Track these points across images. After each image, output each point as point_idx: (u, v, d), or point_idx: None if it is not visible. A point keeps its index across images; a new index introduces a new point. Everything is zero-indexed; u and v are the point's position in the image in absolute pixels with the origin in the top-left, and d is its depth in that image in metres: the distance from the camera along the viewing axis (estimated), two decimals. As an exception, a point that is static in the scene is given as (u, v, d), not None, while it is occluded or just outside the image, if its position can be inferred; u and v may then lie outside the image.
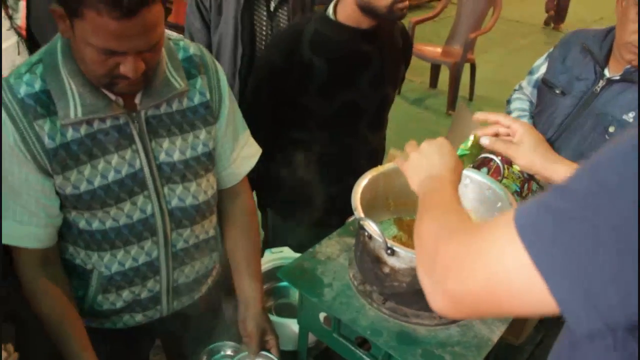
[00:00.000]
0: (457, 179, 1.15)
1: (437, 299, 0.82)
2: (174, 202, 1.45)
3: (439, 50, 6.05)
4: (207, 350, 1.61)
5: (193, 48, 1.47)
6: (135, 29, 1.15)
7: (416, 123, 5.60)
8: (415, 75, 6.43)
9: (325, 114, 1.98)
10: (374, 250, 1.28)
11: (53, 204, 1.34)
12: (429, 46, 6.12)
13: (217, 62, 1.52)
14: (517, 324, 1.72)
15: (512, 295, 0.71)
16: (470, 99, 6.11)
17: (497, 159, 1.69)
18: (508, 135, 1.36)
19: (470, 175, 1.52)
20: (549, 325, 1.85)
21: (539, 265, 0.66)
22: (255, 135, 1.66)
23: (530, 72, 2.23)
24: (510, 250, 0.69)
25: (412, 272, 1.23)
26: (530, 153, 1.31)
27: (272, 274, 1.82)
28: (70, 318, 1.41)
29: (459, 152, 1.38)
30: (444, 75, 6.05)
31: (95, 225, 1.38)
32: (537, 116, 2.12)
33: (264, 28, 2.27)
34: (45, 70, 1.27)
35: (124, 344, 1.62)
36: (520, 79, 2.30)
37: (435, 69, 6.34)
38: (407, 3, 1.82)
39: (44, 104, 1.26)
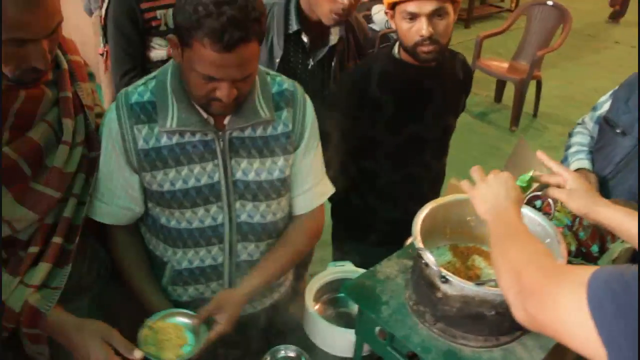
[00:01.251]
0: (520, 210, 1.36)
1: (517, 311, 1.05)
2: (243, 217, 1.64)
3: (506, 65, 6.08)
4: (270, 351, 1.78)
5: (288, 84, 1.66)
6: (233, 61, 1.37)
7: (479, 137, 5.66)
8: (481, 89, 6.48)
9: (393, 145, 2.13)
10: (429, 277, 1.42)
11: (134, 195, 1.60)
12: (495, 61, 6.16)
13: (308, 99, 1.70)
14: (558, 352, 1.84)
15: (572, 342, 0.91)
16: (535, 115, 6.12)
17: (551, 200, 1.80)
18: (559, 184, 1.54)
19: (523, 211, 1.63)
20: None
21: (601, 333, 0.85)
22: (328, 167, 1.83)
23: (594, 108, 2.31)
24: (579, 310, 0.89)
25: (462, 299, 1.37)
26: (578, 199, 1.48)
27: (334, 286, 1.98)
28: (148, 266, 1.71)
29: (517, 182, 1.52)
30: (510, 90, 6.07)
31: (173, 223, 1.61)
32: (597, 152, 2.21)
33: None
34: (156, 85, 1.53)
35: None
36: (587, 97, 2.39)
37: (500, 84, 6.37)
38: (431, 47, 1.93)
39: (148, 112, 1.52)
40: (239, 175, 1.60)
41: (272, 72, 1.67)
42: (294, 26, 2.20)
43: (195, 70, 1.40)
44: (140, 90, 1.54)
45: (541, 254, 1.11)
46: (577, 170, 2.15)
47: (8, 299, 1.46)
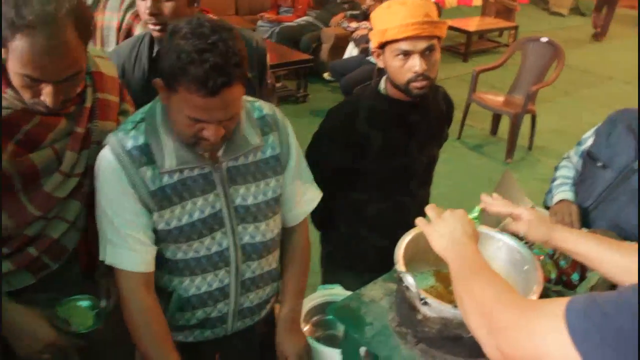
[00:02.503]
0: (477, 246, 1.39)
1: (490, 350, 1.06)
2: (246, 239, 1.72)
3: (501, 99, 6.19)
4: None
5: (267, 108, 1.76)
6: (217, 104, 1.44)
7: (474, 168, 5.74)
8: (477, 122, 6.58)
9: (380, 177, 2.21)
10: (410, 299, 1.50)
11: (152, 235, 1.64)
12: (490, 94, 6.27)
13: (286, 120, 1.80)
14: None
15: None
16: (530, 148, 6.21)
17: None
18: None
19: (503, 239, 1.71)
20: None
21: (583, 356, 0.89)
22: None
23: (579, 143, 2.41)
24: (560, 343, 0.91)
25: (442, 321, 1.44)
26: (537, 228, 1.55)
27: (323, 308, 2.06)
28: (169, 336, 1.68)
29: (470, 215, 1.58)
30: (505, 123, 6.17)
31: (179, 255, 1.67)
32: (579, 185, 2.30)
33: None
34: (147, 128, 1.59)
35: (190, 355, 1.88)
36: (581, 131, 2.46)
37: (496, 117, 6.47)
38: (424, 83, 2.01)
39: (147, 155, 1.57)
40: (238, 201, 1.69)
41: (250, 98, 1.75)
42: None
43: (182, 113, 1.47)
44: (132, 134, 1.58)
45: (507, 290, 1.12)
46: (560, 201, 2.24)
47: None
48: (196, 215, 1.63)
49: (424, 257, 1.73)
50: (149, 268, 1.66)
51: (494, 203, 1.61)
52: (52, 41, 1.38)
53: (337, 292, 2.09)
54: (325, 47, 7.64)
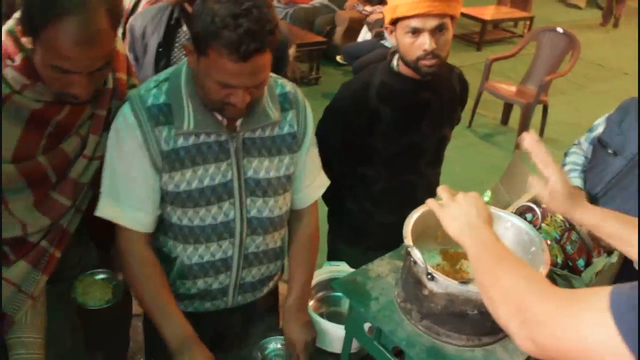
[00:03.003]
0: (493, 229, 1.34)
1: (523, 342, 1.02)
2: (253, 212, 1.72)
3: (513, 89, 6.17)
4: (261, 344, 1.88)
5: (289, 87, 1.76)
6: (248, 70, 1.44)
7: (484, 158, 5.73)
8: (488, 111, 6.56)
9: (389, 154, 2.21)
10: (417, 274, 1.50)
11: (158, 197, 1.65)
12: (503, 84, 6.25)
13: (306, 101, 1.80)
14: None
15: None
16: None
17: (538, 211, 1.87)
18: None
19: (512, 220, 1.71)
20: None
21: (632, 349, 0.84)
22: (327, 171, 1.93)
23: (590, 130, 2.41)
24: (604, 334, 0.87)
25: (447, 297, 1.45)
26: (559, 200, 1.49)
27: (328, 284, 2.06)
28: (168, 288, 1.70)
29: None
30: (516, 113, 6.15)
31: (185, 221, 1.67)
32: (589, 172, 2.29)
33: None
34: (169, 88, 1.59)
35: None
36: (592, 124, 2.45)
37: (508, 107, 6.45)
38: (433, 61, 2.00)
39: (165, 114, 1.57)
40: (250, 173, 1.69)
41: (273, 75, 1.75)
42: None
43: (210, 77, 1.47)
44: (154, 92, 1.59)
45: (539, 279, 1.08)
46: None
47: None
48: (206, 182, 1.63)
49: (432, 235, 1.72)
50: (148, 229, 1.67)
51: (537, 144, 1.52)
52: (86, 30, 1.33)
53: (343, 269, 2.10)
54: (339, 30, 7.62)
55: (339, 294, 2.13)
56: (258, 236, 1.77)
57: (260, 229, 1.76)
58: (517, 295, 1.05)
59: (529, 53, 6.51)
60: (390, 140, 2.17)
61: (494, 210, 1.73)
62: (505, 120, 6.54)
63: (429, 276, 1.44)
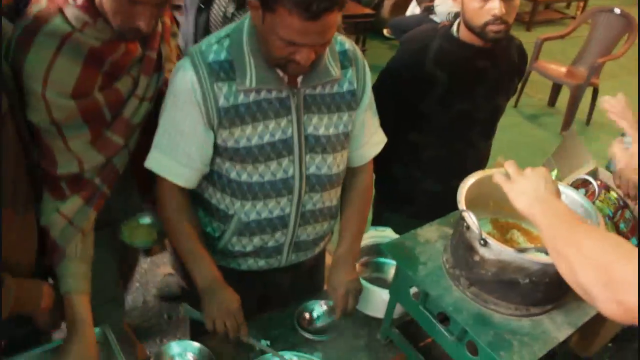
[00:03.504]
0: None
1: (607, 305, 1.03)
2: (312, 169, 1.72)
3: (563, 70, 6.02)
4: (306, 305, 1.89)
5: (348, 44, 1.74)
6: (316, 29, 1.42)
7: (528, 138, 5.63)
8: (536, 92, 6.43)
9: (442, 121, 2.18)
10: (469, 240, 1.48)
11: (208, 153, 1.65)
12: (553, 64, 6.10)
13: (365, 60, 1.78)
14: (587, 337, 1.87)
15: None
16: (588, 123, 6.05)
17: (595, 184, 1.83)
18: None
19: (566, 192, 1.67)
20: (620, 345, 1.98)
21: None
22: None
23: None
24: None
25: (499, 264, 1.42)
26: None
27: (373, 249, 2.06)
28: (200, 238, 1.74)
29: None
30: (564, 96, 6.01)
31: (244, 177, 1.67)
32: None
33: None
34: (231, 45, 1.58)
35: (241, 285, 1.90)
36: None
37: (556, 88, 6.31)
38: (501, 27, 1.96)
39: (226, 70, 1.57)
40: (310, 130, 1.68)
41: None
42: None
43: (276, 34, 1.44)
44: (215, 49, 1.58)
45: (621, 242, 1.08)
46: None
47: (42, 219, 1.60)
48: (266, 138, 1.63)
49: (483, 204, 1.69)
50: (189, 185, 1.69)
51: (618, 106, 1.46)
52: None
53: (388, 235, 2.08)
54: (388, 4, 7.52)
55: (383, 259, 2.13)
56: (316, 193, 1.77)
57: (319, 186, 1.76)
58: (602, 258, 1.05)
59: (580, 35, 6.33)
60: (443, 107, 2.14)
61: (548, 181, 1.69)
62: (552, 102, 6.40)
63: (482, 242, 1.42)
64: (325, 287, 1.88)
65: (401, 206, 2.37)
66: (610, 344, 1.98)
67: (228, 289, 1.69)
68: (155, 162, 1.66)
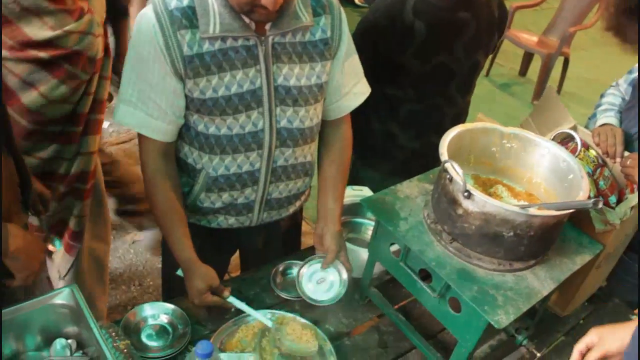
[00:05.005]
0: None
1: None
2: (283, 122, 1.64)
3: (535, 39, 6.02)
4: (281, 265, 1.84)
5: None
6: None
7: (500, 107, 5.63)
8: (506, 61, 6.42)
9: (419, 74, 2.12)
10: (452, 192, 1.43)
11: (180, 104, 1.57)
12: (525, 33, 6.10)
13: (342, 8, 1.69)
14: (565, 296, 1.86)
15: None
16: (558, 92, 6.06)
17: (578, 140, 1.80)
18: None
19: (549, 147, 1.63)
20: (597, 305, 1.97)
21: None
22: None
23: (630, 72, 2.32)
24: None
25: (483, 216, 1.38)
26: None
27: (349, 209, 2.01)
28: (176, 208, 1.65)
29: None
30: (535, 65, 6.02)
31: (212, 130, 1.59)
32: (626, 112, 2.21)
33: None
34: None
35: (212, 243, 1.84)
36: (613, 81, 2.38)
37: (527, 58, 6.31)
38: None
39: (189, 17, 1.47)
40: (280, 80, 1.60)
41: None
42: None
43: None
44: None
45: None
46: (603, 125, 2.16)
47: None
48: (234, 89, 1.55)
49: (464, 160, 1.65)
50: (167, 138, 1.61)
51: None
52: None
53: (365, 194, 2.04)
54: (359, -30, 7.41)
55: (360, 220, 2.09)
56: (287, 148, 1.70)
57: (290, 140, 1.68)
58: None
59: (552, 7, 6.34)
60: (422, 59, 2.08)
61: (529, 135, 1.66)
62: (523, 71, 6.41)
63: (466, 194, 1.38)
64: (314, 243, 1.79)
65: (378, 163, 2.31)
66: (586, 303, 1.97)
67: (206, 267, 1.64)
68: (126, 116, 1.56)
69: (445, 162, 1.41)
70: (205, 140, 1.62)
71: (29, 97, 1.73)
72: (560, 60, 5.82)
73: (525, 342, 1.62)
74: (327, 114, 1.80)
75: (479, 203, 1.38)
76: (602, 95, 2.39)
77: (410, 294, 1.83)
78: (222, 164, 1.65)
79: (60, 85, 1.77)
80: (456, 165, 1.37)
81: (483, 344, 1.73)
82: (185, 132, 1.65)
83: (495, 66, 6.18)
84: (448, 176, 1.42)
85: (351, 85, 1.77)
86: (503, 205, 1.35)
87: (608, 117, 2.20)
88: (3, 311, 1.41)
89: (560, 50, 5.63)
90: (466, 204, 1.40)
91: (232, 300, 1.64)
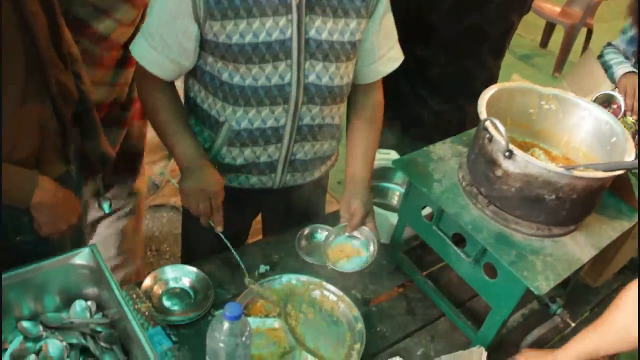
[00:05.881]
0: None
1: None
2: (311, 78, 1.56)
3: (558, 9, 5.88)
4: (307, 228, 1.78)
5: None
6: None
7: (520, 79, 5.52)
8: (527, 32, 6.29)
9: (450, 35, 2.04)
10: (491, 152, 1.36)
11: (188, 47, 1.49)
12: (547, 3, 5.96)
13: None
14: (598, 266, 1.79)
15: None
16: (580, 65, 5.95)
17: (622, 102, 1.72)
18: None
19: (590, 109, 1.56)
20: (628, 276, 1.91)
21: None
22: None
23: (623, 32, 2.31)
24: None
25: (524, 178, 1.31)
26: None
27: (375, 173, 1.92)
28: (179, 113, 1.62)
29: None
30: (556, 37, 5.90)
31: (236, 79, 1.52)
32: None
33: None
34: None
35: (233, 203, 1.77)
36: None
37: (549, 28, 6.17)
38: None
39: None
40: (312, 33, 1.51)
41: None
42: None
43: None
44: None
45: None
46: (625, 74, 2.10)
47: None
48: (262, 37, 1.47)
49: (501, 120, 1.57)
50: (163, 74, 1.55)
51: None
52: None
53: (393, 157, 1.98)
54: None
55: (387, 184, 2.03)
56: (315, 106, 1.62)
57: (318, 97, 1.61)
58: None
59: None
60: (453, 20, 2.00)
61: (570, 96, 1.58)
62: (544, 42, 6.27)
63: (507, 153, 1.31)
64: (341, 208, 1.71)
65: (405, 127, 2.24)
66: (617, 275, 1.91)
67: (210, 169, 1.57)
68: (135, 45, 1.53)
69: (486, 120, 1.34)
70: (230, 90, 1.55)
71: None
72: (582, 33, 5.68)
73: (559, 311, 1.55)
74: (359, 77, 1.72)
75: (520, 164, 1.31)
76: (601, 56, 2.36)
77: (437, 260, 1.79)
78: (246, 116, 1.58)
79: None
80: (498, 123, 1.30)
81: (515, 312, 1.67)
82: (209, 82, 1.58)
83: (515, 37, 6.01)
84: (488, 135, 1.35)
85: (386, 49, 1.69)
86: (547, 165, 1.28)
87: (625, 67, 2.16)
88: (22, 270, 1.37)
89: (584, 21, 5.49)
90: (506, 164, 1.33)
91: (223, 237, 1.58)
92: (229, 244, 1.59)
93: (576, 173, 1.27)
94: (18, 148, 1.42)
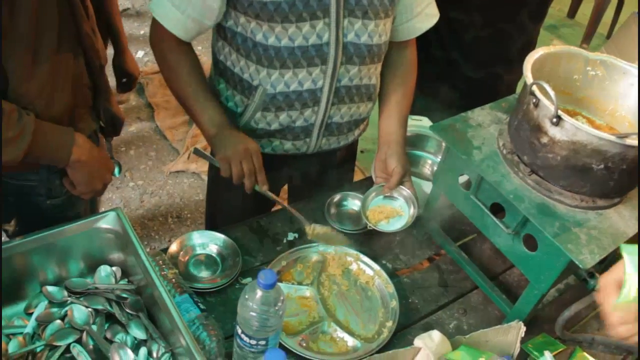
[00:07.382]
0: None
1: None
2: (350, 37, 1.49)
3: (588, -22, 5.71)
4: (337, 195, 1.73)
5: None
6: None
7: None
8: (555, 2, 6.10)
9: None
10: (537, 118, 1.29)
11: (211, 5, 1.43)
12: (577, -28, 5.79)
13: None
14: (634, 242, 1.72)
15: None
16: (609, 37, 5.77)
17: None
18: None
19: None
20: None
21: None
22: None
23: None
24: None
25: (572, 146, 1.24)
26: None
27: (410, 140, 1.87)
28: (200, 78, 1.57)
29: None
30: (585, 7, 5.73)
31: (271, 40, 1.45)
32: None
33: None
34: None
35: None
36: None
37: (577, -1, 6.02)
38: None
39: None
40: None
41: None
42: None
43: None
44: None
45: None
46: None
47: None
48: None
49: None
50: (178, 31, 1.48)
51: None
52: None
53: (425, 124, 1.91)
54: None
55: (419, 152, 1.97)
56: (353, 66, 1.55)
57: (357, 57, 1.54)
58: None
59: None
60: None
61: (619, 62, 1.50)
62: (572, 13, 6.10)
63: (555, 120, 1.24)
64: (376, 168, 1.67)
65: (438, 93, 2.16)
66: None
67: (240, 132, 1.54)
68: (155, 3, 1.46)
69: (533, 83, 1.26)
70: (264, 52, 1.48)
71: None
72: (613, 3, 5.51)
73: (598, 287, 1.49)
74: (396, 34, 1.65)
75: (569, 130, 1.24)
76: None
77: (469, 232, 1.73)
78: (282, 79, 1.52)
79: None
80: (548, 87, 1.23)
81: (551, 287, 1.62)
82: (241, 44, 1.51)
83: (541, 7, 5.89)
84: (534, 100, 1.28)
85: (424, 5, 1.62)
86: (599, 133, 1.20)
87: None
88: (45, 233, 1.33)
89: (615, -9, 5.32)
90: (553, 131, 1.26)
91: (271, 195, 1.53)
92: (279, 201, 1.55)
93: (629, 142, 1.20)
94: (56, 103, 1.38)
